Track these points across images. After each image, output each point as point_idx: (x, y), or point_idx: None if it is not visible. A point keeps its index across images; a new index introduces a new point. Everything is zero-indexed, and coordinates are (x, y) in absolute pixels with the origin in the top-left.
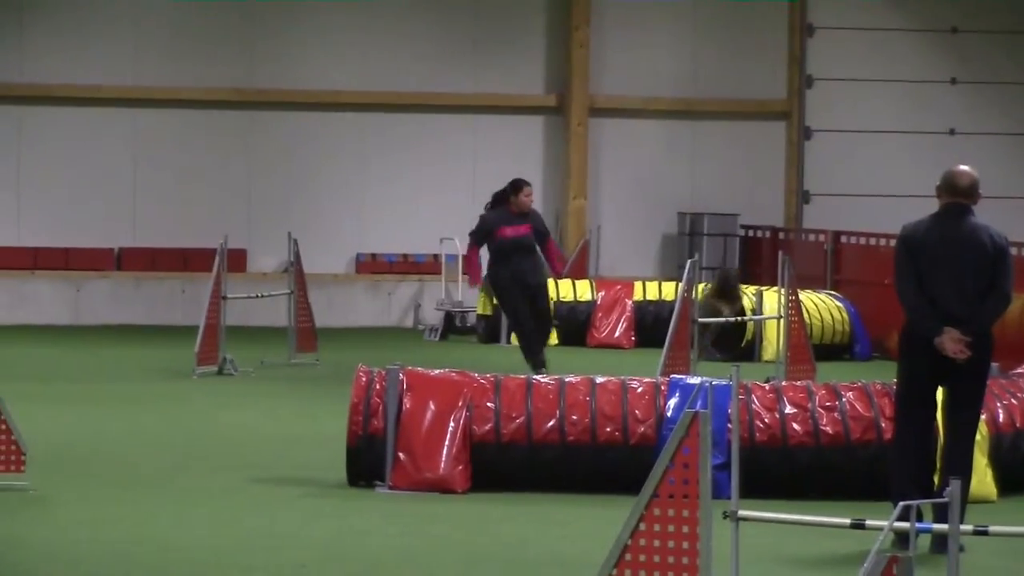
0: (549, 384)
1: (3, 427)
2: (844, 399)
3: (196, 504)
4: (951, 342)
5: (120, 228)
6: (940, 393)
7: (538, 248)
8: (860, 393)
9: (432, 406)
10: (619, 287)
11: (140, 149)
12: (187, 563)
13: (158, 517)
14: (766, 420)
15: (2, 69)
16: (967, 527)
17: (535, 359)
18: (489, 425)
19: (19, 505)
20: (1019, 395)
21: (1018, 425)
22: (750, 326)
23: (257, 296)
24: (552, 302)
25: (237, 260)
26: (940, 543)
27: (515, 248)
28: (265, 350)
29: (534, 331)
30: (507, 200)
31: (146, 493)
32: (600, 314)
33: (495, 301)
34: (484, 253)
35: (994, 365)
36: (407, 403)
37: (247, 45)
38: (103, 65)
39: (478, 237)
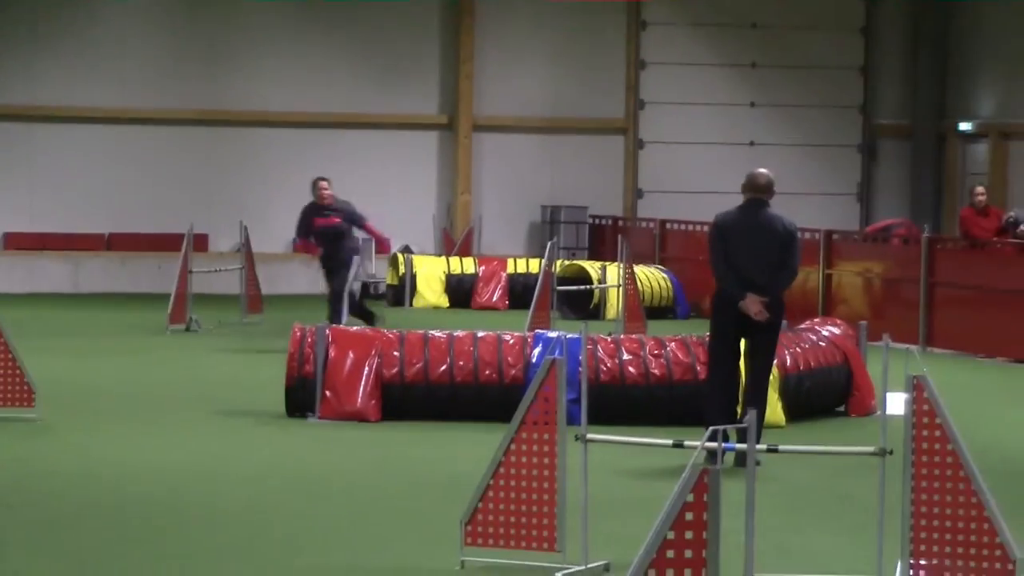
0: (441, 337)
1: (16, 369)
2: (668, 348)
3: (169, 431)
4: (753, 304)
5: (110, 217)
6: (743, 344)
7: (355, 234)
8: (680, 344)
9: (351, 355)
10: (496, 262)
11: (126, 156)
12: (163, 475)
13: (140, 441)
14: (608, 365)
15: (17, 93)
16: (762, 446)
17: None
18: (395, 369)
19: (28, 433)
20: (803, 345)
21: (801, 368)
22: (596, 292)
23: (216, 271)
24: (353, 282)
25: (201, 242)
26: (741, 459)
27: (323, 236)
28: (222, 312)
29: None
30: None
31: (130, 423)
32: (481, 283)
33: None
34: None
35: (784, 322)
36: (331, 352)
37: (209, 74)
38: (97, 90)
39: (298, 229)
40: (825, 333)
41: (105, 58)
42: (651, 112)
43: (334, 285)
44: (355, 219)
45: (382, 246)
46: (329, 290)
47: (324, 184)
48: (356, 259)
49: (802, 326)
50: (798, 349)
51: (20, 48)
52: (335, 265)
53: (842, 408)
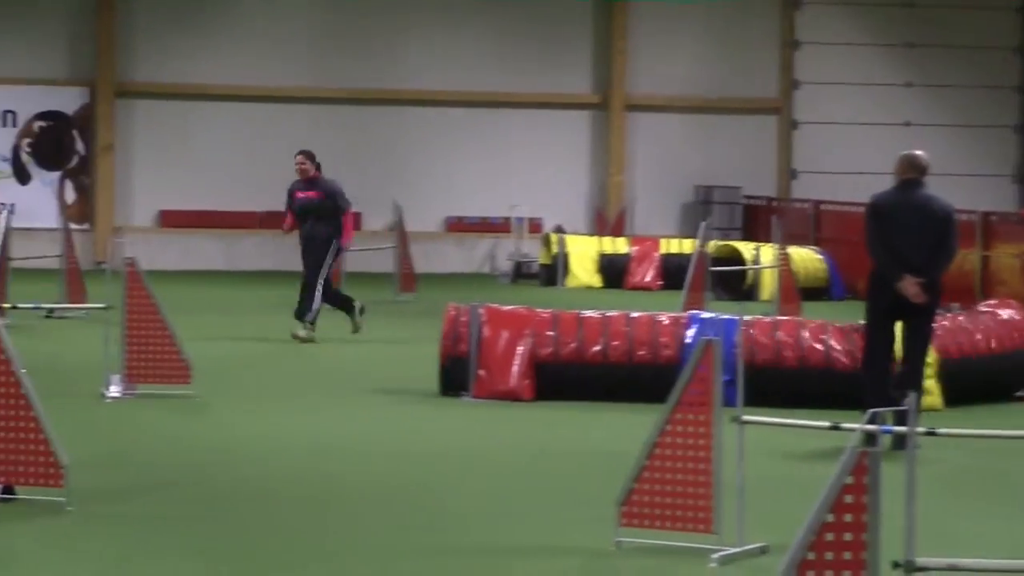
0: (595, 317)
1: (173, 346)
2: (826, 332)
3: (323, 409)
4: (910, 286)
5: (263, 197)
6: (898, 327)
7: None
8: (837, 330)
9: (505, 334)
10: (649, 242)
11: (279, 135)
12: (317, 453)
13: (295, 419)
14: (763, 346)
15: (171, 72)
16: (920, 429)
17: (301, 319)
18: (549, 349)
19: (186, 409)
20: (971, 329)
21: (964, 352)
22: (750, 273)
23: (370, 249)
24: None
25: (354, 221)
26: (898, 442)
27: (302, 210)
28: (376, 291)
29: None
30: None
31: (285, 401)
32: (634, 263)
33: None
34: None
35: (956, 304)
36: (485, 332)
37: (361, 52)
38: (250, 69)
39: (287, 202)
40: (1004, 316)
41: (258, 37)
42: (805, 92)
43: (307, 274)
44: (337, 200)
45: (341, 241)
46: (303, 276)
47: (299, 159)
48: (335, 244)
49: (982, 308)
50: (962, 334)
51: (171, 28)
52: (312, 247)
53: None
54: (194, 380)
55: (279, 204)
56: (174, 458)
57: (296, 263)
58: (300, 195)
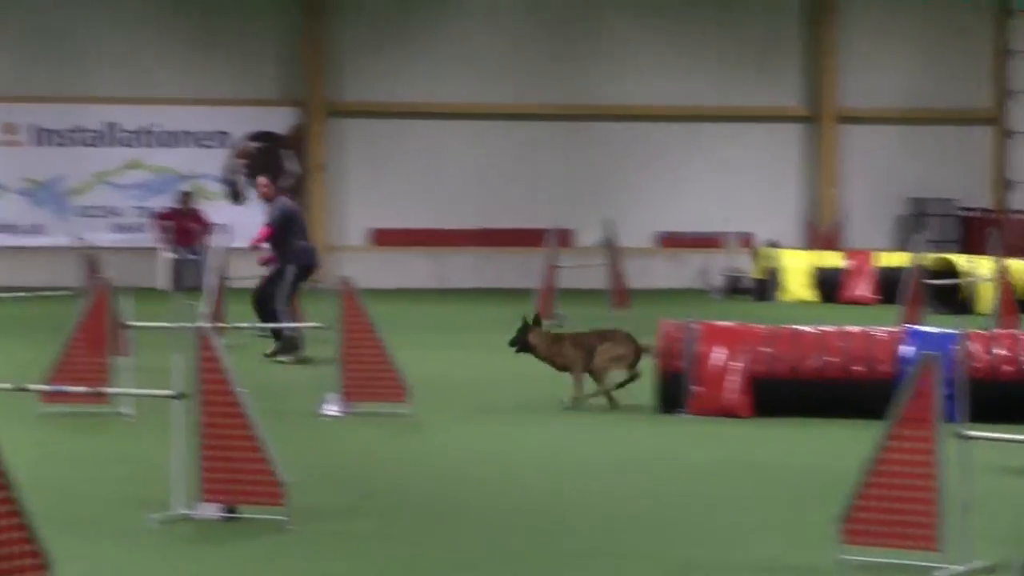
0: (811, 332)
1: (390, 365)
2: None
3: (541, 426)
4: None
5: (475, 213)
6: None
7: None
8: None
9: (721, 350)
10: (863, 256)
11: (490, 153)
12: (537, 470)
13: (513, 436)
14: (982, 359)
15: (380, 92)
16: None
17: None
18: (765, 365)
19: (404, 427)
20: None
21: None
22: (965, 286)
23: (582, 266)
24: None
25: (566, 238)
26: None
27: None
28: (589, 307)
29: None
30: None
31: (501, 418)
32: (849, 277)
33: None
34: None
35: None
36: (701, 348)
37: (571, 68)
38: (460, 86)
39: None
40: None
41: (467, 54)
42: (1020, 101)
43: (269, 296)
44: (272, 224)
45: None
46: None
47: (262, 181)
48: (291, 268)
49: None
50: None
51: (380, 46)
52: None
53: None
54: (410, 398)
55: (491, 222)
56: (393, 476)
57: (509, 281)
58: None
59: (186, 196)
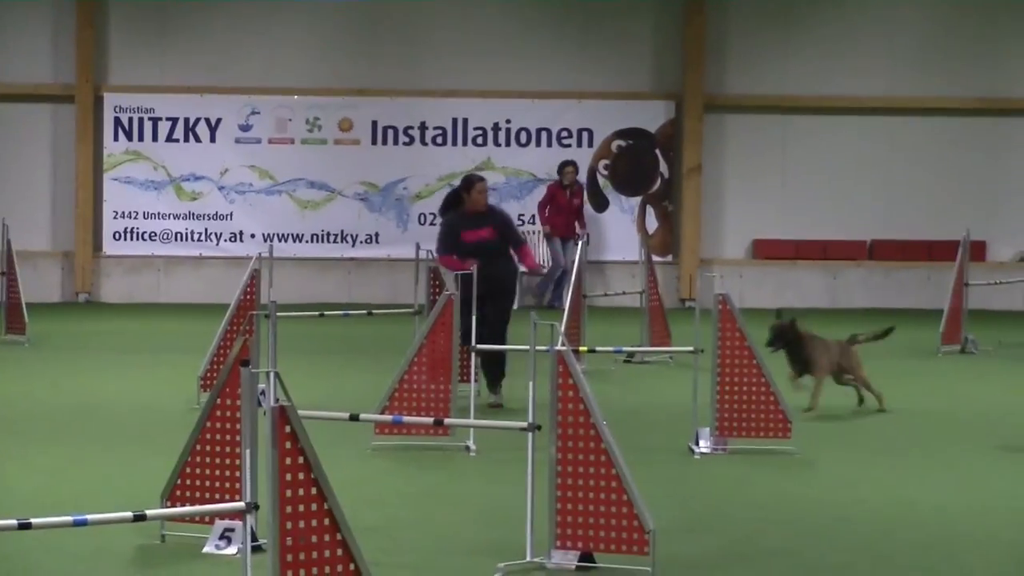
0: None
1: (772, 395)
2: None
3: (947, 465)
4: None
5: (872, 223)
6: None
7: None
8: None
9: None
10: None
11: (892, 153)
12: (937, 515)
13: (916, 476)
14: None
15: (765, 83)
16: None
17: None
18: None
19: (788, 466)
20: None
21: None
22: None
23: (995, 283)
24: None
25: (978, 250)
26: None
27: (476, 251)
28: (1003, 332)
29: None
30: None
31: (901, 455)
32: None
33: None
34: None
35: None
36: None
37: (992, 58)
38: (856, 77)
39: (441, 244)
40: None
41: (867, 41)
42: None
43: (498, 316)
44: (509, 234)
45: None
46: (488, 321)
47: (482, 187)
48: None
49: None
50: None
51: (766, 32)
52: (495, 288)
53: None
54: (794, 433)
55: (890, 232)
56: (776, 523)
57: (911, 300)
58: (470, 235)
59: (568, 168)
